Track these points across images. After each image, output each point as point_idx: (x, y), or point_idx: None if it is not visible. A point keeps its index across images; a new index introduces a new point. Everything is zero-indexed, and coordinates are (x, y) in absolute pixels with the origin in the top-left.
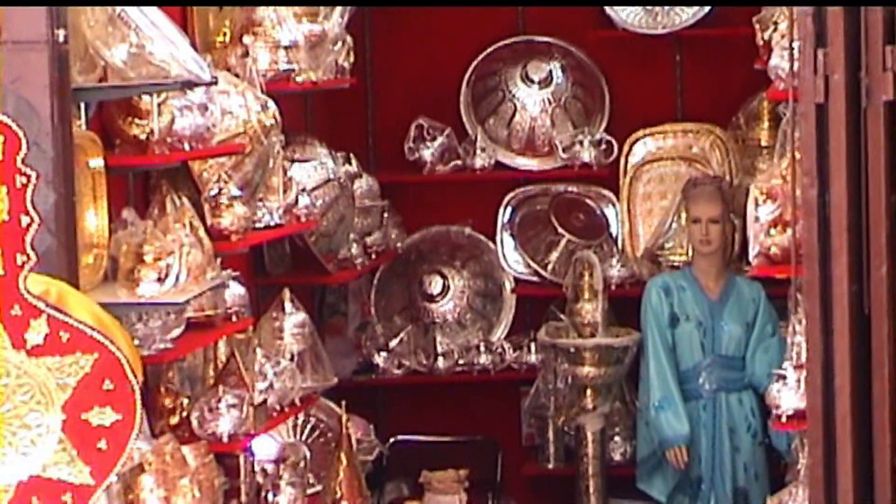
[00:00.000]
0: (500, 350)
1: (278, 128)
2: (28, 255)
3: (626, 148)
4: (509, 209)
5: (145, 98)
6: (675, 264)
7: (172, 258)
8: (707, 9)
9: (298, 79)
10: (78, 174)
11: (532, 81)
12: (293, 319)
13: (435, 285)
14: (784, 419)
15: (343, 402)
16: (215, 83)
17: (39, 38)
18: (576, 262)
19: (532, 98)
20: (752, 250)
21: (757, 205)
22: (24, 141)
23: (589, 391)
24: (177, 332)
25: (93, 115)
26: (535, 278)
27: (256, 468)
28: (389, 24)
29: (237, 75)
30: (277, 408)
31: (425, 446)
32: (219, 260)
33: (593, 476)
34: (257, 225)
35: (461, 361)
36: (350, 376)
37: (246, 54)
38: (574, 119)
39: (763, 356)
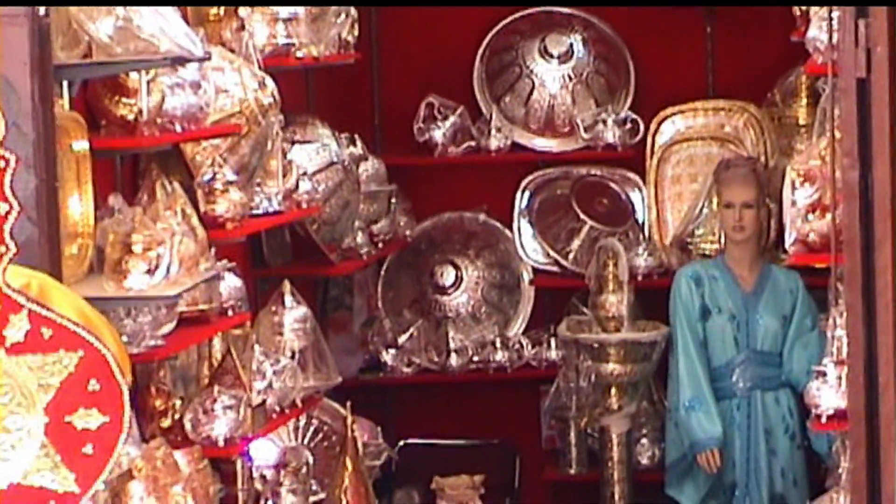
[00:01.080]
0: (517, 346)
1: (277, 107)
2: (7, 246)
3: (653, 127)
4: (527, 194)
5: (133, 75)
6: (707, 253)
7: (163, 248)
8: None
9: (299, 54)
10: (60, 157)
11: (551, 56)
12: (294, 314)
13: (447, 276)
14: (824, 419)
15: (348, 403)
16: (209, 59)
17: (18, 12)
18: (599, 250)
19: (551, 74)
20: (789, 237)
21: (794, 188)
22: (2, 122)
23: (614, 390)
24: (168, 327)
25: (76, 94)
26: (555, 268)
27: (255, 474)
28: None
29: (232, 50)
30: (277, 409)
31: (437, 450)
32: (213, 250)
33: (619, 482)
34: (255, 212)
35: (476, 358)
36: (356, 375)
37: (242, 28)
38: (597, 96)
39: (801, 351)
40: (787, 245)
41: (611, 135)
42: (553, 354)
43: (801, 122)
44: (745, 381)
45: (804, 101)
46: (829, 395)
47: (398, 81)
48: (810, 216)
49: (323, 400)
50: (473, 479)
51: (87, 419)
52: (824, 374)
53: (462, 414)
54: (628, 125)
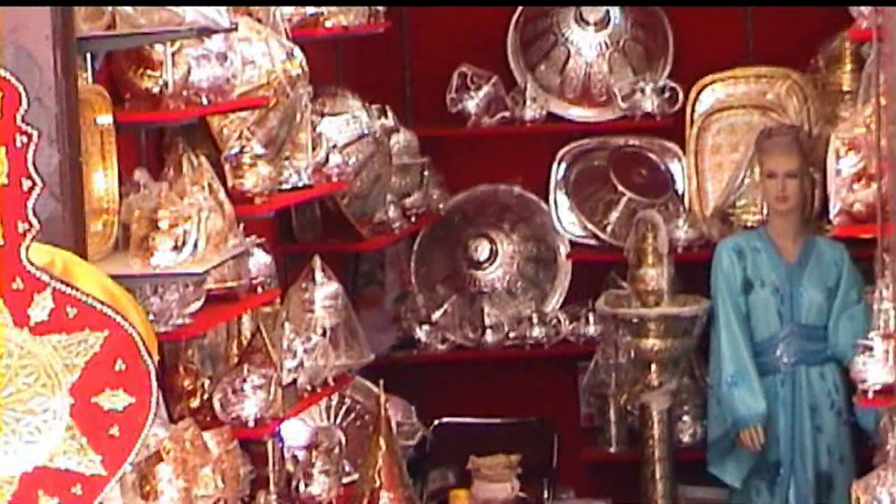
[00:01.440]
0: (554, 322)
1: (306, 78)
2: (30, 223)
3: (692, 95)
4: (563, 165)
5: (158, 47)
6: (749, 224)
7: (190, 224)
8: None
9: (327, 23)
10: (84, 132)
11: (587, 23)
12: (324, 290)
13: (482, 251)
14: (871, 395)
15: (381, 382)
16: (235, 29)
17: None
18: (638, 222)
19: (588, 41)
20: (834, 207)
21: (838, 157)
22: (24, 96)
23: (654, 366)
24: (196, 305)
25: (100, 67)
26: (592, 241)
27: (286, 455)
28: None
29: (259, 20)
30: (308, 388)
31: (473, 429)
32: (241, 226)
33: (659, 460)
34: (283, 186)
35: (511, 335)
36: (388, 353)
37: None
38: (634, 64)
39: (847, 325)
40: (831, 216)
41: (649, 104)
42: (591, 330)
43: (846, 88)
44: (790, 355)
45: (848, 66)
46: (875, 369)
47: (429, 50)
48: (855, 186)
49: (355, 378)
50: (510, 459)
51: (114, 400)
52: (870, 348)
53: (498, 392)
54: (667, 94)
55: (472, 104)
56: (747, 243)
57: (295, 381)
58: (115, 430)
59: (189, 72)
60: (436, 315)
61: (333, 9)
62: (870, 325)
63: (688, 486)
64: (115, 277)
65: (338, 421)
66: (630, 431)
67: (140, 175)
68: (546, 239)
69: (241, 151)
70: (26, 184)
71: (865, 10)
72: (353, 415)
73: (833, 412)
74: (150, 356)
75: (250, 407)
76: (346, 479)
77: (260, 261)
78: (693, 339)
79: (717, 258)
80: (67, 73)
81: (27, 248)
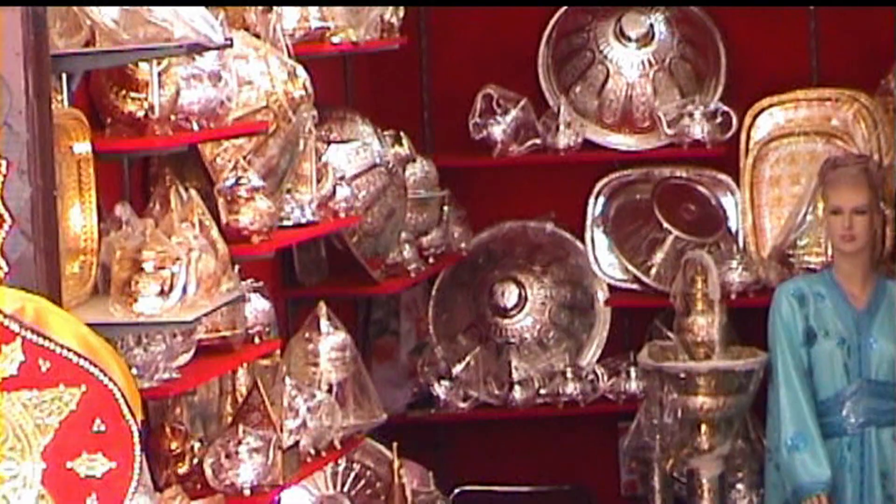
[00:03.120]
0: (591, 377)
1: (310, 101)
2: None
3: (747, 121)
4: (601, 199)
5: (143, 66)
6: (811, 266)
7: (178, 266)
8: None
9: (335, 39)
10: (59, 161)
11: (629, 39)
12: (331, 341)
13: (509, 296)
14: None
15: (395, 445)
16: (230, 46)
17: None
18: (686, 264)
19: (629, 59)
20: None
21: None
22: None
23: (704, 427)
24: (185, 358)
25: (77, 89)
26: (634, 286)
27: None
28: None
29: (258, 35)
30: (312, 452)
31: (499, 498)
32: (237, 268)
33: None
34: (285, 223)
35: (543, 391)
36: (403, 411)
37: (269, 9)
38: (682, 85)
39: None
40: None
41: (698, 130)
42: (633, 386)
43: None
44: (858, 415)
45: None
46: None
47: (451, 70)
48: None
49: (365, 441)
50: None
51: (92, 465)
52: None
53: (527, 456)
54: (719, 118)
55: (498, 130)
56: (810, 288)
57: (297, 443)
58: (92, 500)
59: (178, 94)
60: (457, 369)
61: (342, 23)
62: None
63: None
64: (93, 326)
65: (346, 489)
66: (677, 501)
67: (122, 210)
68: (582, 283)
69: (237, 183)
70: None
71: None
72: (362, 482)
73: None
74: (133, 415)
75: (246, 473)
76: None
77: (258, 307)
78: (748, 397)
79: (776, 305)
80: (40, 95)
81: None
